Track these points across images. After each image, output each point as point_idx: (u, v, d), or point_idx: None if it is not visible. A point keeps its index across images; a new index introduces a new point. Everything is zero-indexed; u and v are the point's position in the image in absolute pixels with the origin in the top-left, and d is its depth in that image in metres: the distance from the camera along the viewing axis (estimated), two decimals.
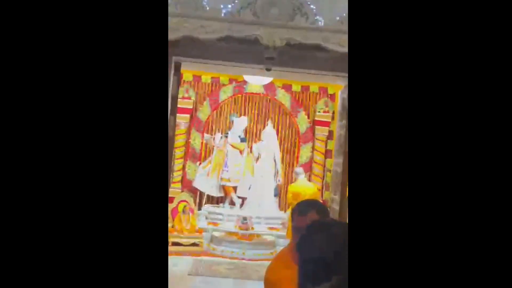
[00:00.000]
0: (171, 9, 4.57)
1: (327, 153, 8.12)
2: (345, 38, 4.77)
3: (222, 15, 4.66)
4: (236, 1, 4.72)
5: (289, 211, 6.81)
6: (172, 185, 7.91)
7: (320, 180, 8.08)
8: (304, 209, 2.09)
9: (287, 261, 1.93)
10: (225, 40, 4.65)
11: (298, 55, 4.91)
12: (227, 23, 4.63)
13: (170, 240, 6.93)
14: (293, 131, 8.44)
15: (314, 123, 8.29)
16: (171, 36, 4.50)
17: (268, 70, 4.97)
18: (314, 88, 8.39)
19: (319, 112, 8.15)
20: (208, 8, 4.65)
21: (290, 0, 4.75)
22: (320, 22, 4.78)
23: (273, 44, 4.70)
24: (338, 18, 4.82)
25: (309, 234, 1.48)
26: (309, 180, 7.90)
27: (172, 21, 4.44)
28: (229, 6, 4.71)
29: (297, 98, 8.42)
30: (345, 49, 4.78)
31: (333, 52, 4.77)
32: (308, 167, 8.14)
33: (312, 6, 4.79)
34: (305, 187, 6.45)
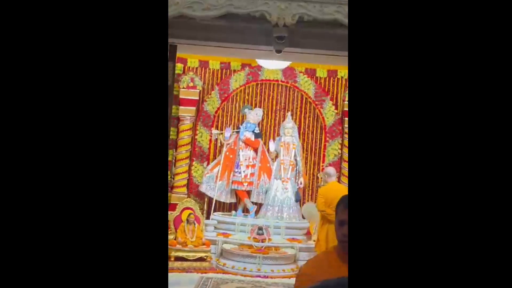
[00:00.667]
0: None
1: None
2: None
3: None
4: None
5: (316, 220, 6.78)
6: (175, 189, 8.12)
7: None
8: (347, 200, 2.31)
9: (332, 261, 2.09)
10: (225, 18, 4.73)
11: (313, 34, 4.95)
12: None
13: (173, 254, 7.09)
14: (318, 124, 8.51)
15: (344, 114, 8.32)
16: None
17: (278, 52, 5.02)
18: (343, 72, 8.41)
19: (348, 101, 8.16)
20: None
21: None
22: None
23: (283, 21, 4.75)
24: None
25: None
26: (338, 182, 7.91)
27: None
28: None
29: (322, 85, 8.46)
30: None
31: None
32: (336, 167, 8.15)
33: None
34: (341, 190, 6.34)
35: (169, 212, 7.67)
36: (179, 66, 8.25)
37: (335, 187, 6.22)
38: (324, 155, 8.43)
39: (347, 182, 7.97)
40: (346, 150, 8.26)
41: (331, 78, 8.48)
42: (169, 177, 8.03)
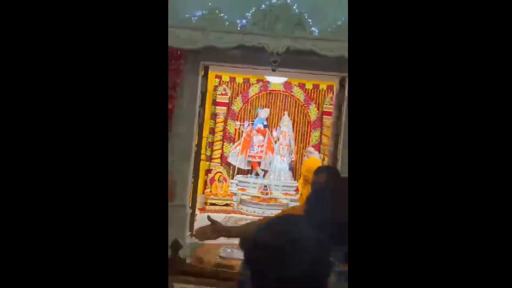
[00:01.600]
0: (198, 25, 4.57)
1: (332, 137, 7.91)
2: (333, 45, 4.61)
3: (238, 27, 4.61)
4: (249, 18, 4.64)
5: (301, 180, 6.65)
6: (213, 161, 8.03)
7: (326, 158, 7.91)
8: (321, 169, 2.31)
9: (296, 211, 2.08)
10: (239, 48, 4.60)
11: (296, 59, 4.80)
12: (241, 34, 4.58)
13: (208, 201, 7.08)
14: (305, 119, 8.30)
15: (322, 113, 8.11)
16: (197, 45, 4.51)
17: (273, 70, 4.90)
18: (323, 86, 8.19)
19: (326, 104, 7.97)
20: (227, 24, 4.62)
21: (291, 17, 4.63)
22: (314, 33, 4.64)
23: (277, 50, 4.61)
24: (329, 29, 4.66)
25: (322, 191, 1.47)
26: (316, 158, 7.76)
27: (196, 34, 4.44)
28: (244, 21, 4.65)
29: (309, 94, 8.24)
30: (334, 54, 4.62)
31: (324, 56, 4.63)
32: (317, 148, 7.99)
33: (308, 20, 4.66)
34: (317, 162, 6.31)
35: (208, 175, 7.64)
36: (216, 80, 8.12)
37: (313, 160, 6.17)
38: (309, 141, 8.22)
39: (322, 158, 7.81)
40: (323, 137, 8.05)
41: (315, 89, 8.23)
42: (208, 152, 7.96)
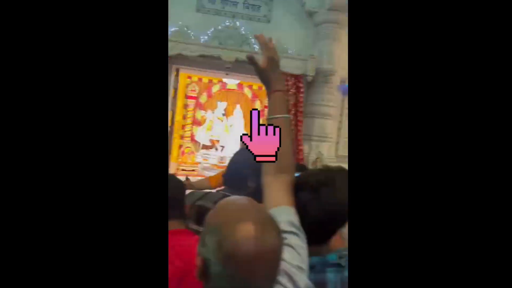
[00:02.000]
0: (171, 37, 4.70)
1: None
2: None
3: (201, 41, 4.81)
4: (209, 34, 4.86)
5: None
6: (184, 138, 8.12)
7: None
8: None
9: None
10: (202, 57, 4.81)
11: (243, 67, 5.08)
12: (203, 47, 4.79)
13: (180, 168, 7.24)
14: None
15: (264, 107, 8.38)
16: (170, 52, 4.65)
17: (227, 74, 5.15)
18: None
19: (267, 101, 8.30)
20: (193, 38, 4.79)
21: (240, 36, 4.90)
22: (255, 49, 4.94)
23: (229, 59, 4.87)
24: None
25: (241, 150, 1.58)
26: None
27: (171, 44, 4.59)
28: (205, 37, 4.85)
29: (255, 93, 8.45)
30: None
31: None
32: None
33: (251, 39, 4.95)
34: None
35: (180, 149, 7.76)
36: (187, 80, 8.15)
37: None
38: None
39: None
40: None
41: (260, 89, 8.40)
42: (181, 132, 8.04)
